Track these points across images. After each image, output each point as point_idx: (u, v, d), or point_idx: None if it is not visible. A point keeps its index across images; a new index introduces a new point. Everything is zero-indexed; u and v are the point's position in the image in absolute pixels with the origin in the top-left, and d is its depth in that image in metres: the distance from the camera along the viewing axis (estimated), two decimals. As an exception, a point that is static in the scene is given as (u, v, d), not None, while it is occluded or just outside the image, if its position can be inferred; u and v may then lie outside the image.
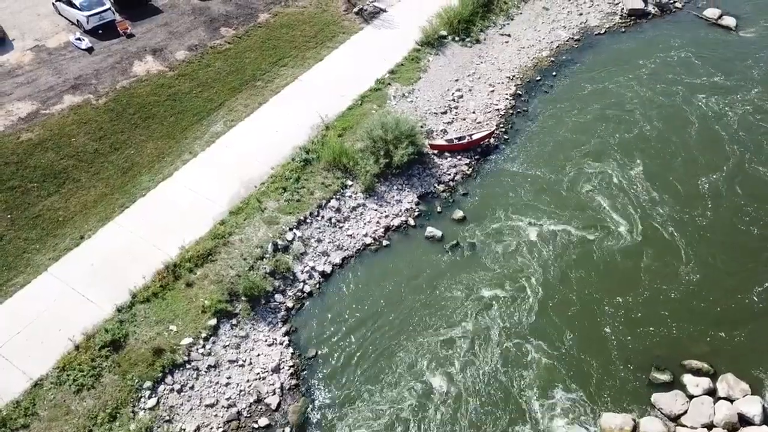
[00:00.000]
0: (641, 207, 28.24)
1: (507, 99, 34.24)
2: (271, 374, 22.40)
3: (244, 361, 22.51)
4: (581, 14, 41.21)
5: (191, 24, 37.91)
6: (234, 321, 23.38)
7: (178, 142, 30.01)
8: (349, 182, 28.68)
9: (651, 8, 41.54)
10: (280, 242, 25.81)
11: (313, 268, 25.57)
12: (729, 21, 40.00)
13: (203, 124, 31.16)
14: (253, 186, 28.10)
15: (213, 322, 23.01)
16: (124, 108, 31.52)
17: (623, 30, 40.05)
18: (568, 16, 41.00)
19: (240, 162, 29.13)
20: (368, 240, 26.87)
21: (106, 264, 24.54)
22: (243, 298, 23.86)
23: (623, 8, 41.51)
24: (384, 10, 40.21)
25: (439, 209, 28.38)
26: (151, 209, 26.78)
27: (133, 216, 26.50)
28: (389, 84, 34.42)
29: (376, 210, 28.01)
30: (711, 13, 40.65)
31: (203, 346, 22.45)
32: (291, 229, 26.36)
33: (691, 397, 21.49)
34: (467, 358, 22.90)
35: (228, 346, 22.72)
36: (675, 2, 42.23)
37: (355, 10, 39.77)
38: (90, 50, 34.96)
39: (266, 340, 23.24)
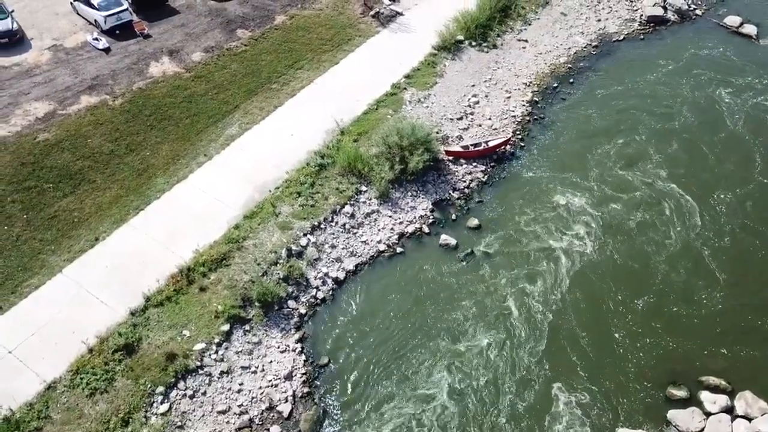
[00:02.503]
0: (663, 218, 27.90)
1: (523, 105, 33.96)
2: (284, 381, 22.31)
3: (257, 368, 22.43)
4: (599, 20, 40.82)
5: (208, 25, 37.92)
6: (247, 327, 23.30)
7: (193, 145, 30.00)
8: (364, 188, 28.54)
9: (670, 15, 41.11)
10: (294, 248, 25.71)
11: (326, 274, 25.45)
12: (750, 29, 39.46)
13: (218, 127, 31.13)
14: (267, 190, 28.04)
15: (226, 327, 22.95)
16: (140, 109, 31.56)
17: (642, 37, 39.62)
18: (586, 22, 40.62)
19: (254, 165, 29.07)
20: (382, 247, 26.72)
21: (120, 266, 24.55)
22: (256, 304, 23.78)
23: (642, 15, 41.10)
24: (401, 14, 40.02)
25: (453, 217, 28.17)
26: (166, 212, 26.77)
27: (148, 218, 26.51)
28: (405, 89, 34.23)
29: (390, 216, 27.85)
30: (731, 21, 40.13)
31: (216, 352, 22.40)
32: (305, 235, 26.25)
33: (708, 414, 21.19)
34: (481, 371, 22.69)
35: (241, 352, 22.64)
36: (695, 9, 41.76)
37: (372, 13, 39.61)
38: (107, 50, 35.05)
39: (279, 347, 23.15)
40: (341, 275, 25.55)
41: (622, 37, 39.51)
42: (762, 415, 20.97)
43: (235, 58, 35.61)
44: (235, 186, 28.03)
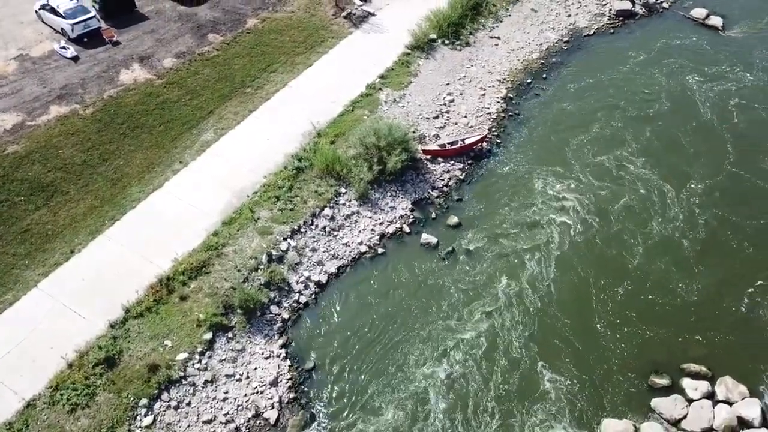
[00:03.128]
0: (640, 206, 28.37)
1: (498, 102, 34.19)
2: (269, 388, 22.12)
3: (241, 375, 22.21)
4: (569, 16, 41.27)
5: (178, 31, 37.46)
6: (230, 334, 23.06)
7: (168, 152, 29.59)
8: (343, 190, 28.45)
9: (639, 9, 41.74)
10: (274, 253, 25.51)
11: (308, 278, 25.31)
12: (716, 21, 40.25)
13: (193, 133, 30.76)
14: (245, 195, 27.78)
15: (208, 336, 22.69)
16: (111, 118, 31.03)
17: (612, 31, 40.17)
18: (556, 18, 41.04)
19: (231, 171, 28.79)
20: (363, 248, 26.66)
21: (98, 278, 24.10)
22: (238, 311, 23.56)
23: (611, 9, 41.65)
24: (373, 14, 39.99)
25: (433, 215, 28.24)
26: (142, 221, 26.37)
27: (124, 228, 26.07)
28: (380, 89, 34.21)
29: (370, 217, 27.80)
30: (698, 13, 40.89)
31: (199, 361, 22.11)
32: (285, 239, 26.07)
33: (690, 401, 21.54)
34: (466, 368, 22.78)
35: (224, 360, 22.39)
36: (662, 2, 42.45)
37: (344, 14, 39.51)
38: (75, 59, 34.38)
39: (263, 353, 22.95)
40: (323, 278, 25.43)
41: (592, 32, 40.01)
42: (742, 399, 21.37)
43: (208, 63, 35.24)
44: (212, 192, 27.73)
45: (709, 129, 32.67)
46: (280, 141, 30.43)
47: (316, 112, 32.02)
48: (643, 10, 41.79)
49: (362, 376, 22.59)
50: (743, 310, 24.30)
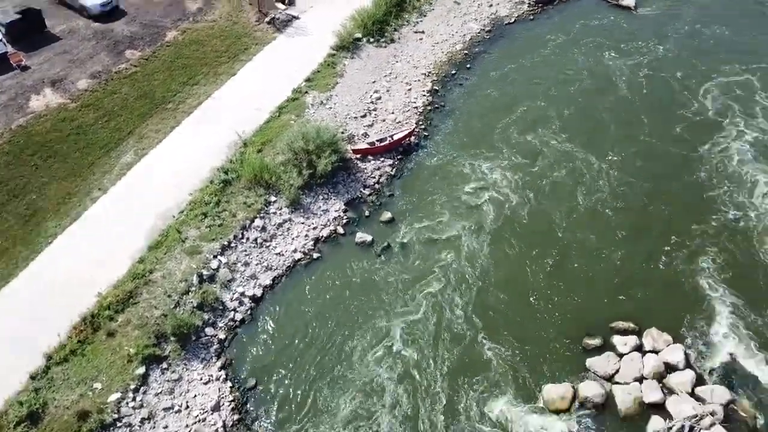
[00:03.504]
0: (562, 181, 28.99)
1: (424, 96, 34.07)
2: (211, 413, 21.26)
3: (181, 406, 21.23)
4: (491, 5, 41.53)
5: (93, 49, 35.98)
6: (165, 365, 22.05)
7: (86, 180, 28.21)
8: (273, 198, 27.74)
9: (557, -7, 42.28)
10: (205, 272, 24.63)
11: (242, 293, 24.53)
12: (629, 1, 41.24)
13: (112, 157, 29.48)
14: (171, 216, 26.76)
15: (141, 370, 21.58)
16: (21, 149, 29.35)
17: (532, 18, 40.65)
18: (478, 9, 41.23)
19: (155, 192, 27.70)
20: (298, 255, 26.05)
21: (12, 327, 22.30)
22: (172, 338, 22.58)
23: (531, -4, 42.05)
24: (297, 18, 39.35)
25: (367, 213, 27.89)
26: (61, 257, 24.86)
27: (40, 267, 24.41)
28: (306, 92, 33.61)
29: (303, 223, 27.20)
30: (611, -7, 41.76)
31: (134, 399, 20.98)
32: (215, 257, 25.22)
33: (621, 355, 22.38)
34: (412, 350, 22.79)
35: (161, 393, 21.37)
36: (578, -15, 43.04)
37: (267, 19, 38.73)
38: (-20, 89, 32.59)
39: (202, 379, 22.07)
40: (258, 292, 24.71)
41: (513, 20, 40.36)
42: (667, 346, 22.40)
43: (126, 81, 33.94)
44: (136, 216, 26.58)
45: (624, 101, 33.66)
46: (205, 155, 29.50)
47: (242, 122, 31.20)
48: (561, -6, 42.34)
49: (307, 383, 22.08)
50: (661, 267, 25.37)
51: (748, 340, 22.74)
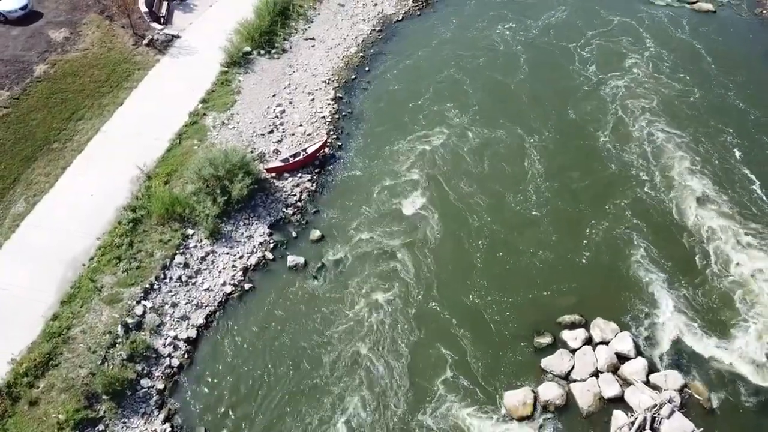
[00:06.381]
0: (475, 177, 29.46)
1: (330, 104, 33.66)
2: (161, 470, 19.91)
3: (126, 468, 19.74)
4: (376, 5, 41.78)
5: (-50, 94, 32.21)
6: (101, 426, 20.37)
7: (-27, 239, 25.36)
8: (190, 231, 26.29)
9: (438, -14, 43.25)
10: (130, 320, 22.91)
11: (175, 337, 23.09)
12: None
13: (-1, 209, 26.68)
14: (80, 264, 24.65)
15: (75, 437, 19.83)
16: None
17: (419, 13, 41.36)
18: (364, 9, 41.34)
19: (58, 240, 25.39)
20: (228, 288, 24.87)
21: None
22: (104, 397, 20.87)
23: (413, -9, 42.76)
24: (177, 36, 37.39)
25: (294, 234, 27.14)
26: (-41, 327, 22.32)
27: (-63, 342, 21.87)
28: (204, 114, 32.11)
29: (227, 253, 26.01)
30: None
31: (71, 469, 19.26)
32: (138, 302, 23.52)
33: (573, 351, 22.80)
34: (362, 378, 22.24)
35: (101, 458, 19.73)
36: (457, -22, 44.36)
37: (145, 42, 36.49)
38: None
39: (145, 435, 20.57)
40: (192, 333, 23.34)
41: (401, 17, 40.87)
42: (615, 335, 23.05)
43: (-2, 125, 30.73)
44: (41, 270, 24.24)
45: (515, 83, 35.23)
46: (107, 194, 27.42)
47: (141, 154, 29.28)
48: (442, -14, 43.39)
49: (261, 418, 21.18)
50: (592, 254, 26.11)
51: (689, 317, 23.47)
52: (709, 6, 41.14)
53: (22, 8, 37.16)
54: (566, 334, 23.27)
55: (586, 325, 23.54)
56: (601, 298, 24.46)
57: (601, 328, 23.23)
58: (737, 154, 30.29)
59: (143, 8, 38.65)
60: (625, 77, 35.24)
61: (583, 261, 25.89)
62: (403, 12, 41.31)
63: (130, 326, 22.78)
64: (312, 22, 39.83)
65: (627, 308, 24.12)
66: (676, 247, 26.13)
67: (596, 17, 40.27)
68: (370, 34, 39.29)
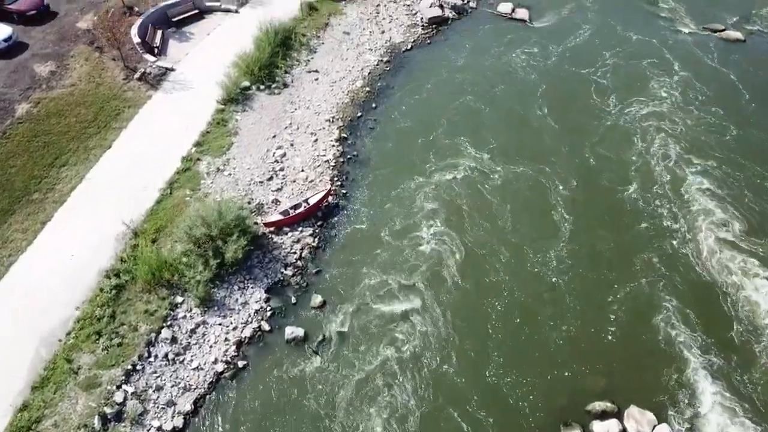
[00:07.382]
0: (497, 232, 26.87)
1: (334, 146, 31.11)
2: None
3: None
4: (384, 32, 39.29)
5: (-75, 138, 29.89)
6: None
7: (-63, 312, 22.94)
8: (179, 298, 23.78)
9: (449, 13, 40.95)
10: (108, 410, 20.39)
11: (159, 428, 20.53)
12: (522, 14, 40.59)
13: (-31, 275, 24.26)
14: (56, 340, 22.17)
15: None
16: None
17: (429, 41, 38.84)
18: (371, 37, 38.85)
19: (32, 310, 22.95)
20: (220, 367, 22.30)
21: None
22: (76, 507, 18.36)
23: (422, 18, 40.38)
24: (171, 69, 34.98)
25: (293, 300, 24.55)
26: None
27: None
28: (199, 159, 29.63)
29: (220, 324, 23.46)
30: (504, 8, 40.93)
31: None
32: (119, 387, 21.01)
33: (606, 446, 20.09)
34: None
35: None
36: (469, 2, 42.01)
37: (137, 75, 34.10)
38: None
39: None
40: (178, 422, 20.78)
41: (410, 46, 38.36)
42: (652, 427, 20.40)
43: (-26, 173, 28.38)
44: (12, 346, 21.78)
45: (533, 116, 32.76)
46: (89, 254, 24.98)
47: (127, 206, 26.83)
48: (453, 13, 41.06)
49: None
50: (622, 329, 23.19)
51: (734, 405, 20.95)
52: (738, 35, 38.45)
53: (5, 40, 34.85)
54: (597, 427, 20.55)
55: (618, 414, 20.81)
56: (634, 381, 21.67)
57: (636, 419, 20.55)
58: (781, 203, 27.57)
59: (136, 38, 36.27)
60: (652, 109, 32.67)
61: (609, 336, 23.03)
62: (412, 40, 38.80)
63: (109, 417, 20.27)
64: (315, 52, 37.35)
65: (664, 394, 21.37)
66: (717, 320, 23.36)
67: (617, 43, 37.72)
68: (378, 65, 36.76)
